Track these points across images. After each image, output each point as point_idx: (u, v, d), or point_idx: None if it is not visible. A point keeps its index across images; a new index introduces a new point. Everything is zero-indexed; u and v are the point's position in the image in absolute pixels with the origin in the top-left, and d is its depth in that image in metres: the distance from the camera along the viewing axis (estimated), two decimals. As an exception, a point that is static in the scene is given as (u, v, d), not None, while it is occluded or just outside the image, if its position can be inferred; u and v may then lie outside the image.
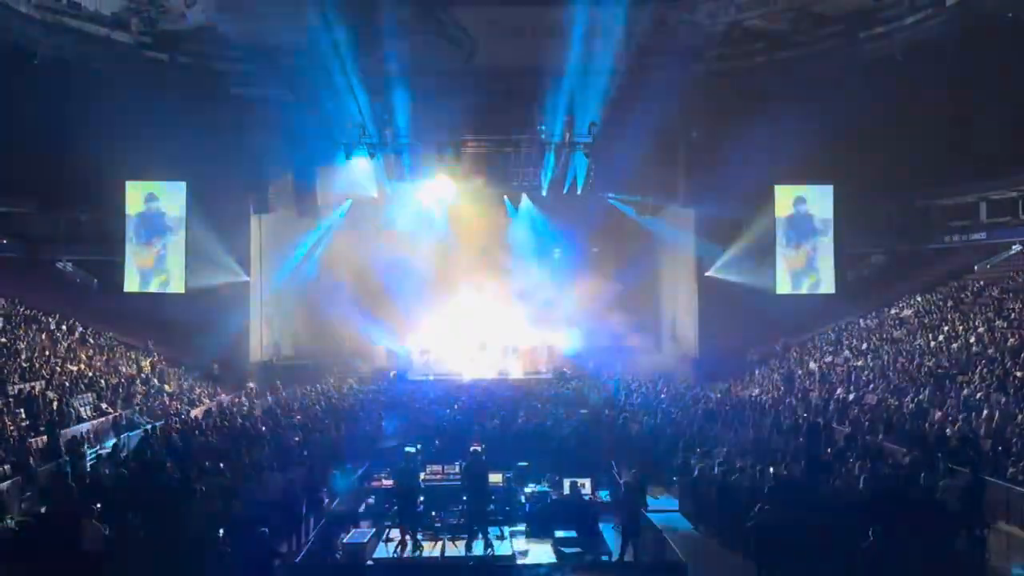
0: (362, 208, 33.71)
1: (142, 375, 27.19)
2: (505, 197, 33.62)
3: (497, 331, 33.94)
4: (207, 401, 24.64)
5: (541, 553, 12.36)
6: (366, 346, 33.76)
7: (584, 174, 32.02)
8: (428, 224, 34.69)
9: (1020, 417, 17.77)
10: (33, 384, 23.16)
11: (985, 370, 21.69)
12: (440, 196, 33.76)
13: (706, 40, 32.79)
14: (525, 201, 34.11)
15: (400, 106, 30.72)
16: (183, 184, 32.66)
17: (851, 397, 22.63)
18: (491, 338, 33.19)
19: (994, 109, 29.55)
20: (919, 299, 31.80)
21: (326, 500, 14.96)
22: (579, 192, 32.98)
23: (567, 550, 12.21)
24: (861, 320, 31.97)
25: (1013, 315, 26.11)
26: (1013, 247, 32.67)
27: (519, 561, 12.16)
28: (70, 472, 15.28)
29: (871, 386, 23.64)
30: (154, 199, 32.92)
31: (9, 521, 13.76)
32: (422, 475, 14.78)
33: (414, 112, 30.64)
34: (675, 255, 33.72)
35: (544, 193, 33.14)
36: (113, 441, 19.76)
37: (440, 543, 12.94)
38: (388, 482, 14.86)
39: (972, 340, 25.20)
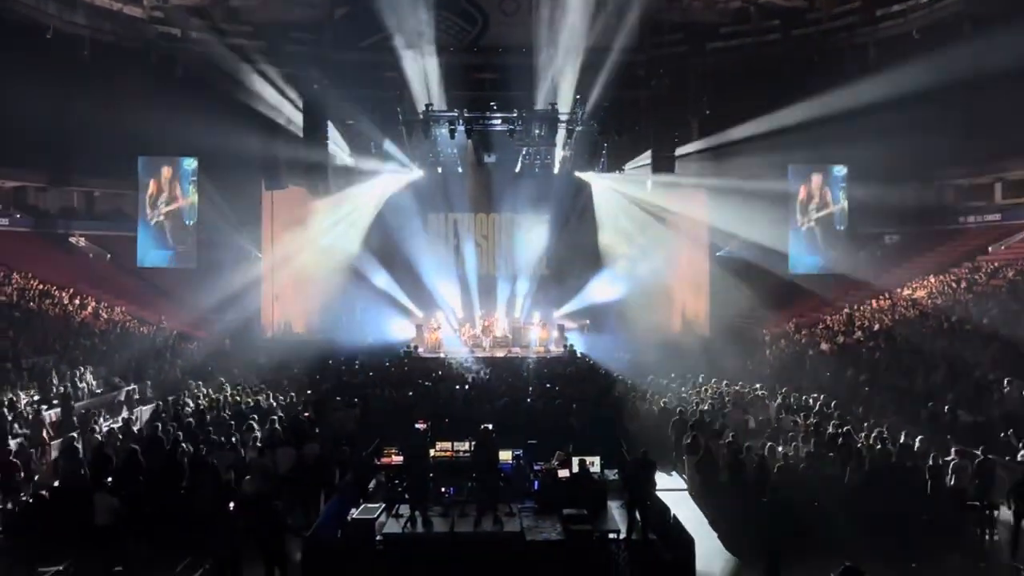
0: (371, 184, 33.59)
1: (154, 350, 27.33)
2: (515, 172, 33.47)
3: (507, 309, 33.98)
4: (218, 376, 24.71)
5: (549, 530, 12.40)
6: (377, 323, 33.75)
7: (595, 152, 31.90)
8: (439, 200, 34.64)
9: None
10: (47, 358, 23.34)
11: (998, 352, 21.59)
12: (452, 172, 33.61)
13: (721, 17, 32.56)
14: (538, 178, 33.89)
15: (411, 82, 30.63)
16: (195, 160, 32.74)
17: (862, 378, 22.57)
18: (501, 316, 33.20)
19: (1011, 89, 29.22)
20: (932, 280, 31.66)
21: (337, 475, 15.04)
22: (596, 170, 32.86)
23: (575, 527, 12.24)
24: (874, 301, 31.86)
25: (1027, 297, 25.98)
26: (1028, 228, 32.51)
27: (528, 538, 12.20)
28: (82, 446, 15.37)
29: (882, 367, 23.58)
30: (167, 174, 32.98)
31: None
32: (432, 452, 14.83)
33: (426, 88, 30.53)
34: (688, 233, 33.57)
35: (556, 171, 33.00)
36: (125, 415, 19.89)
37: (449, 519, 13.01)
38: (398, 458, 14.91)
39: (985, 322, 25.09)
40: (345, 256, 33.06)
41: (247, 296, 32.46)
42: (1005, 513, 13.94)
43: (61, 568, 11.44)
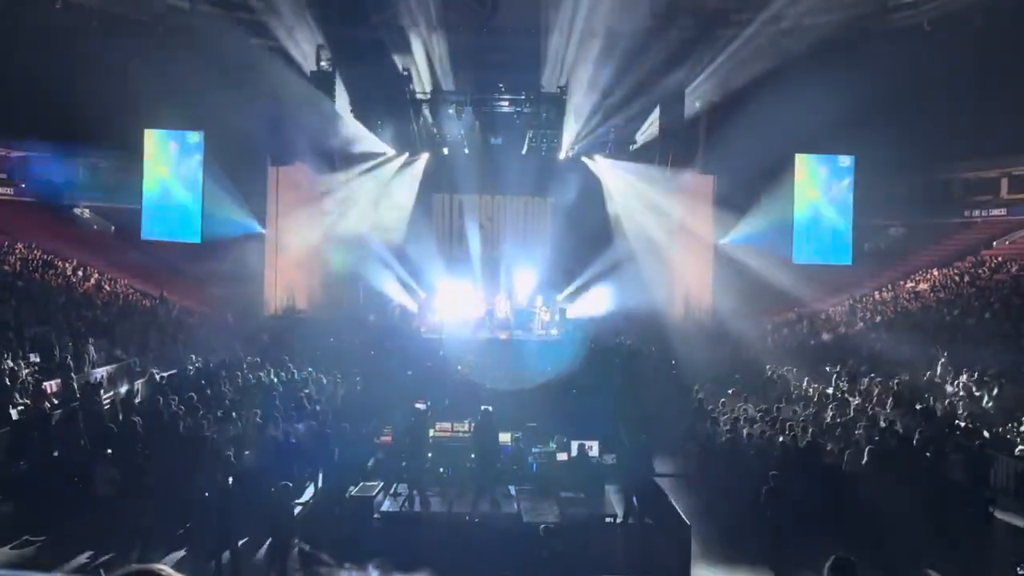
0: (376, 162, 33.50)
1: (157, 322, 27.35)
2: (522, 154, 33.37)
3: (510, 291, 33.91)
4: (220, 351, 24.73)
5: (546, 512, 12.44)
6: (379, 301, 33.72)
7: (603, 135, 31.81)
8: (443, 181, 34.56)
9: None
10: (48, 328, 23.36)
11: (999, 346, 21.59)
12: (458, 153, 33.51)
13: (731, 3, 32.34)
14: (544, 160, 33.77)
15: (419, 62, 30.51)
16: (200, 133, 32.64)
17: (862, 369, 22.59)
18: (503, 299, 33.14)
19: (1021, 83, 29.08)
20: (936, 273, 31.61)
21: (335, 453, 15.09)
22: (604, 153, 32.75)
23: (572, 510, 12.29)
24: (876, 293, 31.83)
25: (1030, 292, 25.95)
26: (1033, 223, 32.43)
27: (525, 519, 12.25)
28: (83, 417, 15.42)
29: (883, 358, 23.59)
30: (172, 147, 32.92)
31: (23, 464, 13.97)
32: (431, 431, 14.88)
33: (433, 69, 30.42)
34: (691, 221, 33.46)
35: (562, 154, 32.91)
36: (126, 387, 19.94)
37: (447, 499, 13.06)
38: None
39: (987, 316, 25.07)
40: (349, 234, 32.99)
41: (251, 271, 32.41)
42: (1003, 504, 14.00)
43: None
